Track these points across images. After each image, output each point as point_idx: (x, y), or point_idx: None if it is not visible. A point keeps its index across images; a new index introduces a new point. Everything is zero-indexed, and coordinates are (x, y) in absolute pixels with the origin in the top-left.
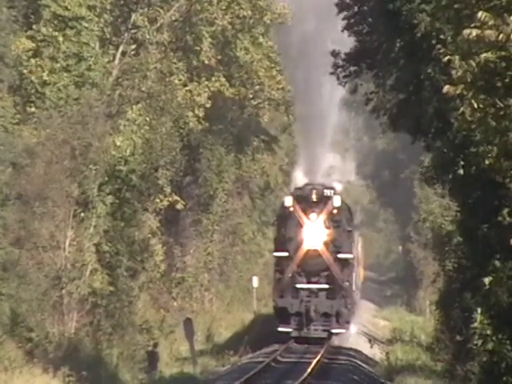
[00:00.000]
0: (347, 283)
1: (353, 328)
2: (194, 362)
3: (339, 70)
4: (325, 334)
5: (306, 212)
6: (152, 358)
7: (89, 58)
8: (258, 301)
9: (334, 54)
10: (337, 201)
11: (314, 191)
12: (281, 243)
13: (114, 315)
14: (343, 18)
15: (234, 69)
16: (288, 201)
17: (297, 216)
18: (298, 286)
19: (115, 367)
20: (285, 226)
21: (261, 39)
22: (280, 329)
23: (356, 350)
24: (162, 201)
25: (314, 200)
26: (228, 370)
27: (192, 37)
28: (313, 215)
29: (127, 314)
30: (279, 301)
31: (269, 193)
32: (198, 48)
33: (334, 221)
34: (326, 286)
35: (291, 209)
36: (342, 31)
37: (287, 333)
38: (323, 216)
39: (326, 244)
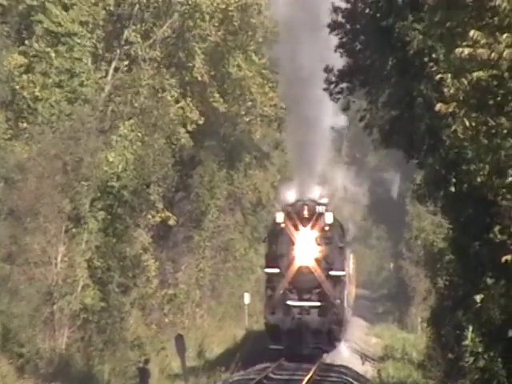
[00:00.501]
0: (339, 300)
1: (344, 347)
2: (185, 378)
3: (332, 86)
4: (316, 352)
5: (297, 228)
6: (143, 374)
7: (81, 73)
8: (249, 317)
9: (327, 70)
10: (329, 217)
11: (306, 207)
12: (272, 260)
13: (105, 331)
14: (336, 34)
15: (226, 85)
16: (279, 217)
17: (288, 232)
18: (290, 303)
19: (107, 383)
20: (276, 243)
21: (253, 56)
22: (271, 346)
23: (347, 367)
24: (154, 217)
25: (306, 216)
26: None
27: (185, 53)
28: (304, 232)
29: (119, 329)
30: (270, 318)
31: (261, 209)
32: (191, 64)
33: (325, 237)
34: (318, 304)
35: (283, 225)
36: (335, 51)
37: (278, 350)
38: (315, 233)
39: (317, 261)
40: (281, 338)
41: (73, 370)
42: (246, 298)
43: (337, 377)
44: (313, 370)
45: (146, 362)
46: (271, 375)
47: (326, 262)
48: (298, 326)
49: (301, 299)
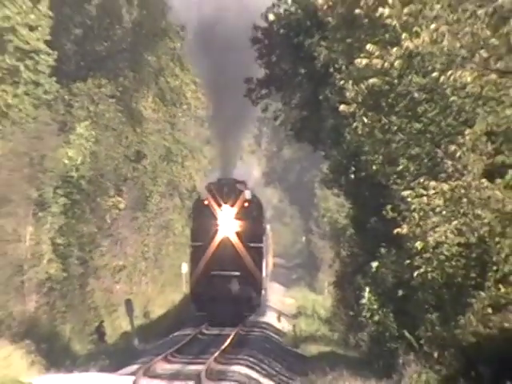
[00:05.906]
0: (258, 270)
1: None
2: (133, 334)
3: (253, 93)
4: (237, 318)
5: (219, 204)
6: (99, 331)
7: (45, 84)
8: (186, 284)
9: (247, 80)
10: (248, 194)
11: (227, 185)
12: (197, 234)
13: (66, 297)
14: (256, 50)
15: (166, 91)
16: (203, 194)
17: (211, 208)
18: (213, 273)
19: (68, 339)
20: (200, 218)
21: (189, 66)
22: (197, 313)
23: (268, 324)
24: (106, 201)
25: (227, 193)
26: (162, 341)
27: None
28: (226, 207)
29: (78, 295)
30: (195, 287)
31: (195, 194)
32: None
33: (245, 213)
34: (238, 273)
35: (206, 202)
36: (256, 60)
37: (204, 316)
38: (235, 208)
39: (238, 234)
40: (205, 305)
41: (40, 329)
42: (184, 268)
43: (259, 332)
44: (239, 326)
45: (101, 323)
46: (205, 331)
47: (246, 235)
48: (220, 294)
49: (223, 269)
